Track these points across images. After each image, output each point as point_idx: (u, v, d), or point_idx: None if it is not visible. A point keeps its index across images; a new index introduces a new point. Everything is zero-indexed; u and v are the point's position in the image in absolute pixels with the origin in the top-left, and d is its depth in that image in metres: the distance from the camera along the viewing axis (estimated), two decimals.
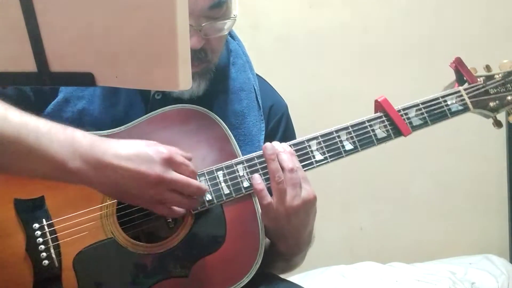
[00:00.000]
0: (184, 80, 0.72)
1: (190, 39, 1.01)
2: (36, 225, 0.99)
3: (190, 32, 1.00)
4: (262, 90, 1.21)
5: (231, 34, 1.24)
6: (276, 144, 1.04)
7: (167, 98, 1.10)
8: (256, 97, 1.18)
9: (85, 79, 0.71)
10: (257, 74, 1.24)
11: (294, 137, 1.24)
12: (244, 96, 1.17)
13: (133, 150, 0.92)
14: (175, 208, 0.97)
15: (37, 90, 1.07)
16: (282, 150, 1.02)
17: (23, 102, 1.03)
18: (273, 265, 1.16)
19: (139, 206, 0.99)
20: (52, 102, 1.06)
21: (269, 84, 1.27)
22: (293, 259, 1.16)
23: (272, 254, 1.12)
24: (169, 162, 0.93)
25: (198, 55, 1.05)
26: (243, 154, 1.05)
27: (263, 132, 1.17)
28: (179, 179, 0.93)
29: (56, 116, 1.04)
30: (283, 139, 1.20)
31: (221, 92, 1.15)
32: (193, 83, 1.07)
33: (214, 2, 1.01)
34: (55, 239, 0.99)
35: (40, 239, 0.98)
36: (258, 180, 1.01)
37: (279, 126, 1.22)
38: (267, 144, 1.03)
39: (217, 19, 1.04)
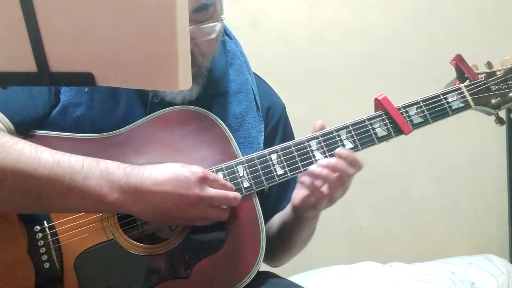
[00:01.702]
0: (184, 80, 0.71)
1: None
2: (38, 227, 0.99)
3: None
4: (260, 90, 1.21)
5: (227, 34, 1.23)
6: (316, 169, 1.02)
7: (163, 102, 1.10)
8: (255, 98, 1.18)
9: (85, 79, 0.71)
10: (254, 73, 1.24)
11: (292, 137, 1.24)
12: (242, 98, 1.16)
13: (168, 174, 0.94)
14: (218, 220, 0.99)
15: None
16: (326, 175, 1.01)
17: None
18: (297, 232, 1.17)
19: (181, 224, 1.01)
20: (53, 112, 1.06)
21: (266, 83, 1.27)
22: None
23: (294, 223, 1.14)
24: (205, 180, 0.95)
25: None
26: (243, 156, 1.05)
27: (263, 133, 1.17)
28: (216, 194, 0.97)
29: (56, 125, 1.04)
30: (282, 140, 1.19)
31: (220, 94, 1.15)
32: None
33: (198, 5, 1.00)
34: (56, 241, 0.99)
35: (42, 241, 0.99)
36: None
37: (278, 127, 1.22)
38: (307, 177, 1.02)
39: (204, 22, 1.02)
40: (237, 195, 1.00)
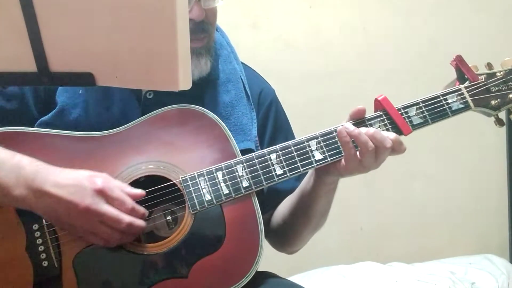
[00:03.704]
0: (184, 80, 0.72)
1: (192, 11, 1.03)
2: (36, 226, 0.99)
3: (190, 3, 1.01)
4: (249, 78, 1.22)
5: None
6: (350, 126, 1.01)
7: (159, 95, 1.10)
8: (244, 87, 1.19)
9: (85, 79, 0.71)
10: (242, 62, 1.24)
11: (286, 121, 1.26)
12: (231, 87, 1.17)
13: (71, 180, 0.93)
14: (108, 240, 0.96)
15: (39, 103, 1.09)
16: (358, 134, 0.99)
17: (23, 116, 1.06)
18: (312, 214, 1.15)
19: (78, 235, 0.98)
20: (50, 114, 1.07)
21: (255, 71, 1.28)
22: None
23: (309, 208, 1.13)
24: (102, 195, 0.93)
25: (201, 27, 1.07)
26: (236, 144, 1.05)
27: (255, 121, 1.18)
28: (107, 212, 0.93)
29: (55, 127, 1.05)
30: (275, 124, 1.21)
31: (209, 83, 1.15)
32: (201, 60, 1.09)
33: None
34: (54, 240, 0.99)
35: (40, 240, 0.99)
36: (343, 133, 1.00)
37: (270, 111, 1.23)
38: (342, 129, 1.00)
39: None
40: (135, 223, 0.95)
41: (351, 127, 1.01)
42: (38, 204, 0.93)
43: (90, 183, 0.93)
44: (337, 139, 1.05)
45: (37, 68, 0.69)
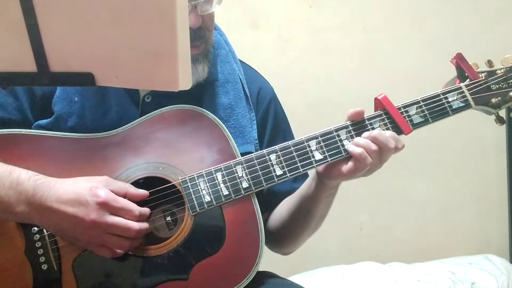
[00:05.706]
0: (184, 80, 0.71)
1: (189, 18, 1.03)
2: (35, 229, 0.99)
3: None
4: (248, 77, 1.21)
5: None
6: (359, 141, 1.02)
7: (158, 98, 1.09)
8: (243, 87, 1.18)
9: (85, 79, 0.71)
10: (240, 60, 1.24)
11: (285, 119, 1.25)
12: (230, 88, 1.16)
13: (73, 195, 0.93)
14: (118, 249, 0.96)
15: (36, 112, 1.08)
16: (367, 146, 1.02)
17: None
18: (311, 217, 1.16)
19: (85, 248, 0.98)
20: (46, 120, 1.06)
21: (253, 69, 1.27)
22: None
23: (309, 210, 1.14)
24: (105, 207, 0.93)
25: (198, 33, 1.06)
26: (238, 150, 1.05)
27: (254, 122, 1.17)
28: (115, 223, 0.93)
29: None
30: (274, 123, 1.21)
31: (208, 85, 1.14)
32: (198, 66, 1.08)
33: None
34: (54, 243, 0.99)
35: (39, 243, 0.98)
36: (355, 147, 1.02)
37: (269, 110, 1.23)
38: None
39: None
40: (143, 227, 0.96)
41: (358, 140, 1.02)
42: (43, 219, 0.93)
43: (92, 196, 0.93)
44: (337, 139, 1.05)
45: (37, 68, 0.69)
